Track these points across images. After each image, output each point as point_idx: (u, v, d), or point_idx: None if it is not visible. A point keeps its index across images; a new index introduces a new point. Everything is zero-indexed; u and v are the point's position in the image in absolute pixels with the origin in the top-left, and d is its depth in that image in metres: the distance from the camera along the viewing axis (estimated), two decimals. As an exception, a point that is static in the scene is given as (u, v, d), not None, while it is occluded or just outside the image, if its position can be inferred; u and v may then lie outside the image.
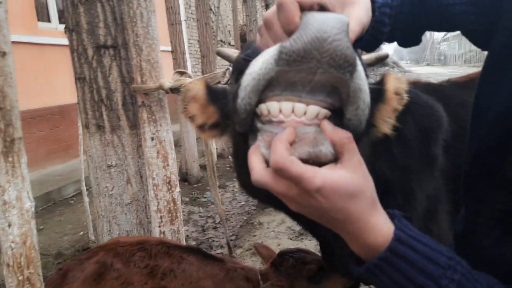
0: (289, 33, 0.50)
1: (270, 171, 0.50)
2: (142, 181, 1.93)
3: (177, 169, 1.90)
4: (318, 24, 0.44)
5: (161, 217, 1.86)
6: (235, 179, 6.10)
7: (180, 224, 1.94)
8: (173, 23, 5.50)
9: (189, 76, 1.83)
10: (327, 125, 0.50)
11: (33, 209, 1.14)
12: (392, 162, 1.37)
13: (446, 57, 47.89)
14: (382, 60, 1.21)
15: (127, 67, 1.82)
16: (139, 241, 1.53)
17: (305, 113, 0.51)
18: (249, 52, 0.89)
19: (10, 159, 1.08)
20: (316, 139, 0.49)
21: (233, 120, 0.58)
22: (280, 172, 0.48)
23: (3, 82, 1.04)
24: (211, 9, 11.09)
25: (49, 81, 6.25)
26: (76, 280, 1.39)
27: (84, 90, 1.81)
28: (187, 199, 5.13)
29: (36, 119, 6.43)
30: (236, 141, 0.78)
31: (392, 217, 0.54)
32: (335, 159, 0.50)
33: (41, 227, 4.60)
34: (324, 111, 0.51)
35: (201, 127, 0.98)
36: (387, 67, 28.04)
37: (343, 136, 0.49)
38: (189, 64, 9.85)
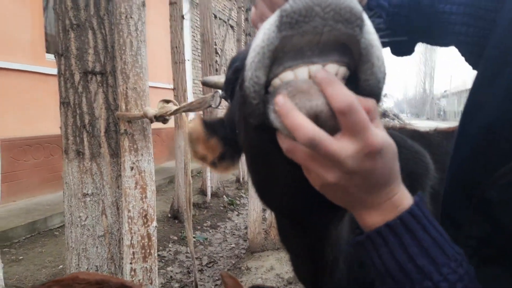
0: None
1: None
2: (118, 213, 1.84)
3: (155, 202, 1.81)
4: None
5: (133, 253, 1.74)
6: (227, 220, 5.93)
7: (153, 263, 1.82)
8: (177, 62, 5.62)
9: (174, 104, 1.79)
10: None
11: None
12: None
13: (446, 112, 48.66)
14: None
15: (114, 95, 1.79)
16: (99, 280, 1.41)
17: None
18: (238, 64, 0.85)
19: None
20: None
21: (245, 113, 0.53)
22: (348, 114, 0.41)
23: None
24: (216, 52, 11.44)
25: (51, 109, 6.29)
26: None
27: (67, 114, 1.77)
28: (175, 238, 4.96)
29: (33, 146, 6.41)
30: (252, 144, 0.70)
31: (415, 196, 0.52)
32: None
33: (21, 257, 4.42)
34: (343, 69, 0.46)
35: (213, 164, 0.94)
36: (387, 119, 28.43)
37: (369, 101, 0.45)
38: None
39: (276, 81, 0.47)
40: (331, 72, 0.45)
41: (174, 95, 6.01)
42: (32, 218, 5.30)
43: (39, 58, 6.14)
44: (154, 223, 1.81)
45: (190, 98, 10.54)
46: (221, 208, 6.49)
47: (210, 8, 6.50)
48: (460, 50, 0.79)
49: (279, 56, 0.45)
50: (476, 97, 0.65)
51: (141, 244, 1.74)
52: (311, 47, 0.45)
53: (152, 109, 1.68)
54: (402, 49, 0.91)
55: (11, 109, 5.78)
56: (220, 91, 1.32)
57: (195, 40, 10.60)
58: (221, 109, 1.15)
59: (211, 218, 5.95)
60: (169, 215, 5.75)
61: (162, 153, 9.39)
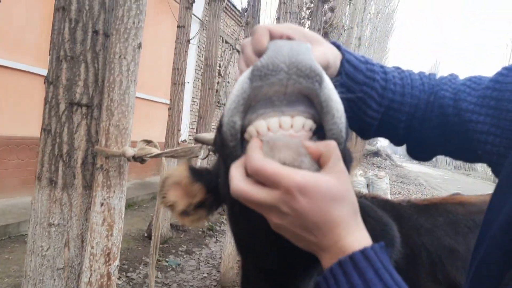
0: (259, 54, 0.58)
1: (249, 180, 0.50)
2: (82, 246, 1.81)
3: (120, 241, 1.79)
4: (284, 43, 0.52)
5: (90, 291, 1.71)
6: (204, 246, 5.85)
7: (111, 301, 1.78)
8: (176, 83, 5.67)
9: (155, 146, 1.80)
10: (309, 142, 0.52)
11: None
12: None
13: (438, 159, 49.12)
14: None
15: (97, 128, 1.80)
16: None
17: (292, 126, 0.54)
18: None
19: None
20: (299, 150, 0.51)
21: (224, 155, 0.62)
22: (256, 174, 0.48)
23: None
24: (219, 73, 11.57)
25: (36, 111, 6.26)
26: None
27: (46, 141, 1.77)
28: (147, 260, 4.86)
29: (19, 146, 6.35)
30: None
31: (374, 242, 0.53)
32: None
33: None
34: (309, 122, 0.55)
35: (183, 213, 0.96)
36: (380, 158, 28.63)
37: (327, 144, 0.51)
38: (185, 122, 10.02)
39: (251, 128, 0.55)
40: (298, 123, 0.54)
41: (169, 115, 6.05)
42: (5, 221, 5.19)
43: (41, 60, 6.18)
44: (117, 262, 1.78)
45: (186, 117, 10.58)
46: (200, 232, 6.41)
47: (218, 34, 6.62)
48: (484, 158, 0.79)
49: (252, 104, 0.54)
50: (500, 197, 0.67)
51: (99, 282, 1.71)
52: (279, 97, 0.53)
53: (132, 149, 1.69)
54: (424, 153, 0.94)
55: (2, 107, 5.77)
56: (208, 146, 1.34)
57: (200, 60, 10.74)
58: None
59: (188, 242, 5.86)
60: (145, 235, 5.66)
61: (149, 167, 9.33)
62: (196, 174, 0.99)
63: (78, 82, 1.76)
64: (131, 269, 4.51)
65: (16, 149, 6.18)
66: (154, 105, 9.47)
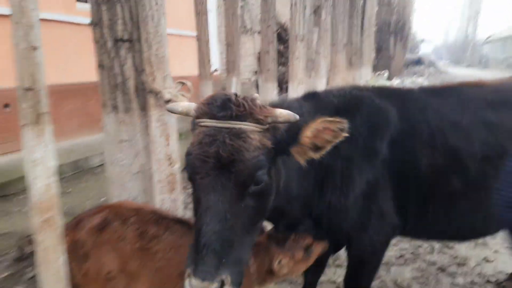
0: None
1: None
2: (148, 155, 2.27)
3: (177, 147, 2.22)
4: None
5: (161, 188, 2.20)
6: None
7: (178, 194, 2.28)
8: (199, 13, 5.80)
9: (188, 88, 2.14)
10: None
11: (54, 167, 1.50)
12: (335, 153, 1.65)
13: (488, 60, 45.57)
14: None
15: (141, 59, 2.14)
16: (136, 208, 1.88)
17: None
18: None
19: (38, 128, 1.43)
20: None
21: None
22: None
23: (35, 71, 1.39)
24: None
25: (84, 58, 6.71)
26: (84, 228, 1.76)
27: (103, 75, 2.16)
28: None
29: (71, 92, 6.96)
30: None
31: None
32: None
33: (69, 190, 5.12)
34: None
35: None
36: (422, 66, 27.33)
37: None
38: (213, 52, 10.17)
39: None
40: None
41: (198, 47, 6.27)
42: (75, 157, 5.99)
43: (70, 8, 6.47)
44: (177, 164, 2.24)
45: (215, 47, 10.70)
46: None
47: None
48: None
49: None
50: None
51: (167, 180, 2.18)
52: None
53: (168, 92, 2.03)
54: None
55: (48, 58, 6.26)
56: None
57: (220, -15, 10.49)
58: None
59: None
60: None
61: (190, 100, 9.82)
62: None
63: (118, 20, 2.08)
64: (187, 186, 5.17)
65: (69, 95, 6.80)
66: (184, 39, 9.64)
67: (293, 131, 1.44)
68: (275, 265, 1.77)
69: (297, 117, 1.40)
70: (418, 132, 1.88)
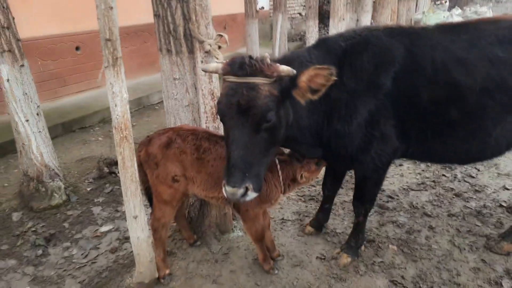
0: None
1: None
2: (196, 91, 2.77)
3: (219, 84, 2.69)
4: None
5: (206, 117, 2.72)
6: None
7: (219, 123, 2.79)
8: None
9: (225, 40, 2.52)
10: None
11: (127, 98, 2.05)
12: (342, 88, 2.04)
13: None
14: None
15: (188, 8, 2.55)
16: (192, 129, 2.44)
17: None
18: None
19: (115, 69, 1.95)
20: None
21: None
22: None
23: (112, 26, 1.88)
24: None
25: (140, 1, 7.19)
26: (155, 144, 2.36)
27: (158, 23, 2.62)
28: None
29: (130, 35, 7.57)
30: None
31: None
32: None
33: (134, 124, 5.91)
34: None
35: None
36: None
37: None
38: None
39: None
40: None
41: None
42: (138, 95, 6.75)
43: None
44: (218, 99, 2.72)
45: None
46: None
47: None
48: None
49: None
50: None
51: (211, 111, 2.69)
52: None
53: (208, 45, 2.43)
54: None
55: None
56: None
57: None
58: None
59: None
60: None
61: (237, 40, 10.10)
62: None
63: (168, -25, 2.47)
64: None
65: (128, 37, 7.42)
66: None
67: (294, 78, 1.87)
68: (299, 177, 2.28)
69: (295, 71, 1.86)
70: (422, 67, 2.15)
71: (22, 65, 3.38)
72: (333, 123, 2.23)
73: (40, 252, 3.08)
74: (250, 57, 1.86)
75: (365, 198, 2.57)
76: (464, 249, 2.85)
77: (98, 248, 3.15)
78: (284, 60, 2.06)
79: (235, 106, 1.80)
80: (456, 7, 10.20)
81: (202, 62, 2.57)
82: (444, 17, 8.95)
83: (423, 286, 2.52)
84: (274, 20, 7.76)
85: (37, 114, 3.55)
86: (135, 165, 2.20)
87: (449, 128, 2.23)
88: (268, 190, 2.34)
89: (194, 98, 2.79)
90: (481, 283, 2.53)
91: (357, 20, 5.96)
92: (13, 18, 3.31)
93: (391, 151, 2.30)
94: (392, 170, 4.08)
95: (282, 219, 3.34)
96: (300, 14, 14.71)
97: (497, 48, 2.13)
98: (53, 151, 3.78)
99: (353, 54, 2.19)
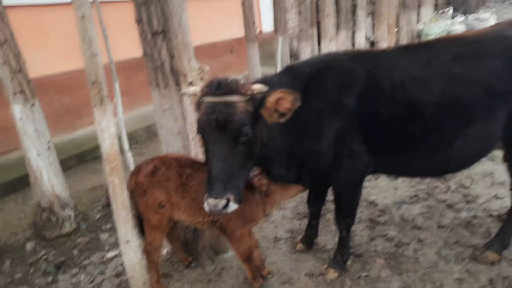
0: None
1: None
2: (184, 120, 3.00)
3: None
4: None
5: (195, 144, 2.94)
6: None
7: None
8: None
9: (205, 72, 2.75)
10: None
11: (114, 132, 2.28)
12: (309, 110, 2.23)
13: None
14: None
15: (171, 46, 2.81)
16: (176, 156, 2.65)
17: None
18: None
19: (102, 107, 2.20)
20: None
21: None
22: None
23: (96, 69, 2.13)
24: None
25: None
26: (142, 173, 2.58)
27: (147, 61, 2.88)
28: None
29: (142, 64, 7.93)
30: None
31: None
32: None
33: (143, 151, 6.19)
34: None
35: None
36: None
37: None
38: (268, 13, 10.45)
39: None
40: None
41: (243, 10, 6.75)
42: (147, 122, 7.07)
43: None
44: (206, 125, 2.93)
45: (267, 8, 10.95)
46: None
47: None
48: None
49: None
50: None
51: (198, 138, 2.90)
52: None
53: (190, 77, 2.66)
54: None
55: (117, 36, 7.23)
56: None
57: None
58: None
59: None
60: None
61: (244, 62, 10.41)
62: None
63: (153, 18, 2.74)
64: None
65: (140, 68, 7.80)
66: (231, 2, 9.95)
67: (264, 98, 2.05)
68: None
69: (267, 87, 2.01)
70: (381, 87, 2.31)
71: (33, 104, 3.70)
72: (304, 143, 2.40)
73: (50, 279, 3.31)
74: (226, 78, 2.08)
75: (344, 214, 2.70)
76: (450, 260, 2.91)
77: (104, 273, 3.35)
78: (256, 83, 2.26)
79: (214, 122, 1.97)
80: (460, 14, 10.23)
81: (188, 96, 2.80)
82: (445, 25, 9.00)
83: (406, 298, 2.60)
84: (274, 42, 8.02)
85: (48, 148, 3.85)
86: (126, 192, 2.42)
87: (412, 142, 2.37)
88: (250, 210, 2.51)
89: (183, 127, 3.02)
90: (464, 293, 2.59)
91: (353, 37, 6.14)
92: (24, 62, 3.66)
93: (362, 166, 2.44)
94: (386, 184, 4.16)
95: (275, 237, 3.47)
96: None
97: (453, 65, 2.27)
98: (64, 182, 4.06)
99: (317, 79, 2.37)
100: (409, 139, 2.36)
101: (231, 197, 1.99)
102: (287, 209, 3.92)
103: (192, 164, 2.58)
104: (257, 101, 2.07)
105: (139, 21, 2.80)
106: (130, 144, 6.44)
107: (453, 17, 10.37)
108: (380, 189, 4.10)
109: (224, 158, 1.99)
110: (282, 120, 2.09)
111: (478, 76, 2.25)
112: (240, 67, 10.64)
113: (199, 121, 2.07)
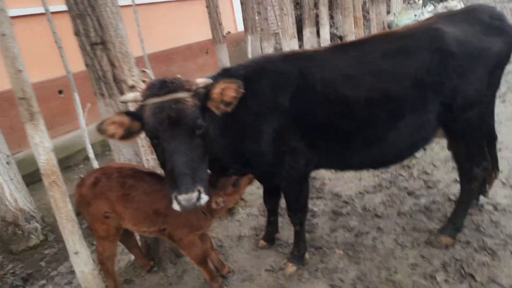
0: None
1: None
2: (134, 127, 2.99)
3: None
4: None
5: (145, 150, 2.94)
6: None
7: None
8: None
9: (148, 75, 2.74)
10: None
11: (51, 147, 2.27)
12: (247, 111, 2.24)
13: None
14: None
15: (112, 56, 2.80)
16: (119, 167, 2.64)
17: None
18: None
19: (34, 123, 2.19)
20: None
21: None
22: None
23: (22, 85, 2.13)
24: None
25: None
26: (85, 185, 2.57)
27: (89, 72, 2.87)
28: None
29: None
30: None
31: None
32: None
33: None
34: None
35: (123, 138, 2.07)
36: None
37: None
38: (238, 13, 10.44)
39: None
40: None
41: (208, 12, 6.75)
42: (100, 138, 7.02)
43: None
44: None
45: (238, 9, 10.95)
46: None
47: None
48: None
49: None
50: None
51: (148, 145, 2.90)
52: None
53: (132, 80, 2.64)
54: None
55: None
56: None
57: None
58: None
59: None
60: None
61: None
62: (134, 115, 1.96)
63: (90, 29, 2.73)
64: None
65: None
66: (186, 4, 9.84)
67: (208, 91, 2.08)
68: (213, 205, 2.43)
69: (211, 81, 2.04)
70: (313, 86, 2.33)
71: (-12, 122, 3.68)
72: (245, 143, 2.41)
73: (17, 292, 3.31)
74: (167, 78, 2.06)
75: (294, 209, 2.72)
76: (406, 246, 2.94)
77: (72, 283, 3.35)
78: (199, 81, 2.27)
79: (166, 119, 1.92)
80: (429, 4, 10.29)
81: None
82: (415, 15, 9.05)
83: (359, 287, 2.62)
84: (246, 41, 8.03)
85: (7, 163, 3.84)
86: (69, 205, 2.41)
87: (347, 138, 2.40)
88: (196, 218, 2.51)
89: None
90: (416, 278, 2.62)
91: (318, 33, 6.16)
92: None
93: (304, 162, 2.46)
94: (351, 175, 4.19)
95: (239, 235, 3.49)
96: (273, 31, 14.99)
97: (381, 61, 2.31)
98: (28, 195, 4.05)
99: (252, 80, 2.38)
100: (344, 135, 2.39)
101: (201, 189, 1.95)
102: (254, 206, 3.94)
103: (134, 174, 2.57)
104: (202, 96, 2.07)
105: (77, 33, 2.79)
106: (104, 151, 6.46)
107: (424, 7, 10.41)
108: (345, 181, 4.13)
109: (185, 152, 1.94)
110: (229, 109, 2.10)
111: (406, 70, 2.28)
112: (216, 67, 10.62)
113: (147, 124, 2.00)
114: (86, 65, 2.87)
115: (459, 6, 9.30)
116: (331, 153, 2.49)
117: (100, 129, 2.03)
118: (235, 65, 2.62)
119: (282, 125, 2.35)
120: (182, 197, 1.89)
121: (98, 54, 2.80)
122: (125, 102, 2.35)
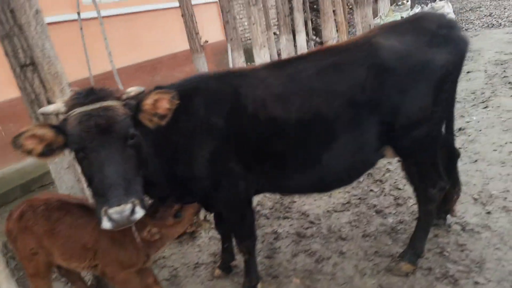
0: None
1: None
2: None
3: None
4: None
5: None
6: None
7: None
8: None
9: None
10: None
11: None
12: (179, 132, 2.05)
13: None
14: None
15: (43, 78, 2.62)
16: (46, 198, 2.45)
17: None
18: None
19: None
20: None
21: None
22: None
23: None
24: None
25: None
26: (11, 219, 2.38)
27: (22, 94, 2.69)
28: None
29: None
30: None
31: None
32: None
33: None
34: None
35: (42, 155, 1.76)
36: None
37: None
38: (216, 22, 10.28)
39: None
40: None
41: (184, 21, 6.56)
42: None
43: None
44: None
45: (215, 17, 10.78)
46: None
47: None
48: None
49: None
50: None
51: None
52: None
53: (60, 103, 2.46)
54: None
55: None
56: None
57: None
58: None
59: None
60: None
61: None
62: (58, 128, 1.74)
63: (18, 50, 2.55)
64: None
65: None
66: (170, 12, 9.62)
67: (139, 103, 1.88)
68: (146, 234, 2.23)
69: (142, 89, 1.87)
70: (245, 106, 2.15)
71: None
72: (180, 166, 2.22)
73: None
74: (93, 87, 1.87)
75: (240, 237, 2.52)
76: (366, 273, 2.73)
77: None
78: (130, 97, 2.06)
79: (94, 128, 1.70)
80: (417, 5, 10.08)
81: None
82: (402, 17, 8.84)
83: (311, 323, 2.42)
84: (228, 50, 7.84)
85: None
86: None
87: (280, 160, 2.22)
88: (127, 255, 2.31)
89: (73, 160, 2.82)
90: (373, 311, 2.41)
91: (294, 40, 5.96)
92: None
93: (244, 186, 2.27)
94: (321, 191, 3.98)
95: (197, 263, 3.28)
96: (275, 33, 14.85)
97: (314, 79, 2.13)
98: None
99: (185, 100, 2.19)
100: (277, 158, 2.20)
101: (136, 201, 1.69)
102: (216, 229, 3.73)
103: (61, 206, 2.37)
104: (133, 107, 1.87)
105: (6, 54, 2.61)
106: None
107: (411, 8, 10.22)
108: (314, 198, 3.92)
109: (116, 162, 1.70)
110: (163, 122, 1.90)
111: (339, 88, 2.10)
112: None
113: (73, 134, 1.73)
114: (19, 87, 2.69)
115: (446, 7, 9.10)
116: (267, 177, 2.30)
117: (16, 144, 1.70)
118: (167, 84, 2.43)
119: (217, 146, 2.16)
120: (113, 210, 1.62)
121: (29, 76, 2.62)
122: (45, 115, 2.11)
